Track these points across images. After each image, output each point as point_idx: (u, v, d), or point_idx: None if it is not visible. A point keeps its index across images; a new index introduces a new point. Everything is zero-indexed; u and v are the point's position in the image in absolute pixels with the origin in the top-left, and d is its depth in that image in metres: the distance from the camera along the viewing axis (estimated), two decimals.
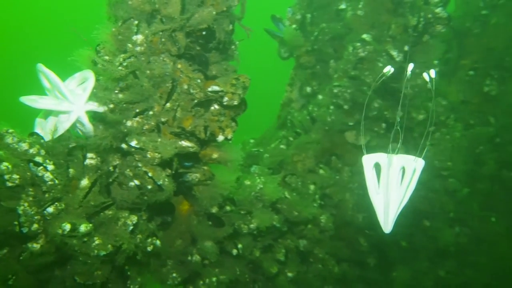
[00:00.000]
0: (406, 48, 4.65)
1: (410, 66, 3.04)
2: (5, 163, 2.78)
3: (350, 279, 5.49)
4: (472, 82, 6.15)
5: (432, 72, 2.81)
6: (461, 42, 6.35)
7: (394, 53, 4.60)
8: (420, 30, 4.58)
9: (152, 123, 3.23)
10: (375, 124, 4.95)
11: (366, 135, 4.91)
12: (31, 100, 3.05)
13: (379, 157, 2.98)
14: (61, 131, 3.05)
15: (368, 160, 3.05)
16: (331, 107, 4.74)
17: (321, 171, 4.82)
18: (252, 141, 5.35)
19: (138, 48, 3.12)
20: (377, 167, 3.04)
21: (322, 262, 5.06)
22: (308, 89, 5.30)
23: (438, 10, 4.49)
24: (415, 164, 3.06)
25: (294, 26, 5.22)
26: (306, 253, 4.88)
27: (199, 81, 3.37)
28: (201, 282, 4.01)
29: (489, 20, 6.00)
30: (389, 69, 2.85)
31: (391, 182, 3.00)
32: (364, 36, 4.61)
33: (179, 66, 3.35)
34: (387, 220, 3.10)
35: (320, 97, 4.95)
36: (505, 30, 5.89)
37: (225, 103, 3.39)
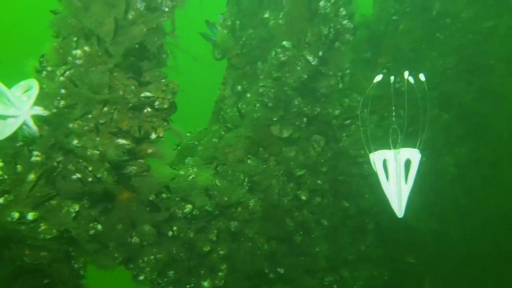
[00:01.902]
0: (320, 53, 5.32)
1: (406, 74, 3.89)
2: None
3: (279, 255, 6.18)
4: (385, 79, 6.95)
5: (422, 76, 3.69)
6: (378, 43, 7.13)
7: (310, 58, 5.27)
8: (332, 38, 5.26)
9: (92, 125, 3.75)
10: (297, 119, 5.62)
11: (288, 128, 5.57)
12: None
13: (384, 153, 3.77)
14: (8, 133, 3.53)
15: (376, 157, 3.83)
16: (257, 104, 5.37)
17: (249, 161, 5.45)
18: (188, 134, 5.91)
19: (77, 61, 3.62)
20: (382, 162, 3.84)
21: (252, 240, 5.70)
22: (239, 87, 5.91)
23: (345, 22, 5.19)
24: (411, 157, 3.88)
25: (225, 31, 5.80)
26: (237, 233, 5.51)
27: (133, 87, 3.91)
28: (141, 260, 4.58)
29: (398, 25, 6.79)
30: (380, 78, 3.71)
31: (396, 173, 3.81)
32: (284, 43, 5.25)
33: (115, 74, 3.87)
34: (398, 206, 3.92)
35: (248, 95, 5.57)
36: (410, 34, 6.70)
37: (156, 107, 3.95)
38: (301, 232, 6.23)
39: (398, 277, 8.06)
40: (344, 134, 6.05)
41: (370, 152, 4.24)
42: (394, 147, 4.14)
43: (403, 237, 7.93)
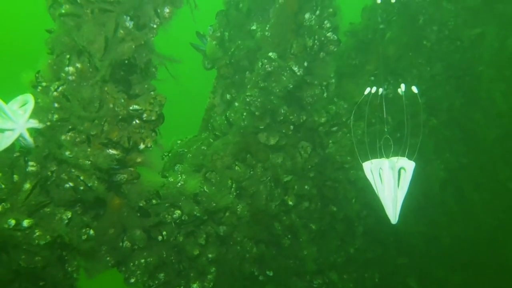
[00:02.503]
0: (305, 64, 5.55)
1: (403, 86, 4.19)
2: None
3: (268, 258, 6.41)
4: (373, 85, 7.17)
5: (414, 89, 3.98)
6: (366, 51, 7.35)
7: (295, 68, 5.50)
8: (316, 50, 5.49)
9: (83, 136, 3.99)
10: (283, 127, 5.85)
11: (275, 136, 5.80)
12: None
13: (376, 162, 4.05)
14: (6, 145, 3.77)
15: (367, 166, 4.11)
16: (244, 113, 5.60)
17: (236, 168, 5.68)
18: (179, 142, 6.15)
19: (69, 77, 3.87)
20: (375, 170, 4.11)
21: (241, 244, 5.94)
22: (228, 96, 6.15)
23: (329, 34, 5.43)
24: (406, 165, 4.16)
25: (214, 42, 6.03)
26: (226, 237, 5.74)
27: (122, 100, 4.15)
28: (132, 264, 4.82)
29: (385, 33, 7.02)
30: (375, 90, 3.98)
31: (387, 182, 4.09)
32: (270, 54, 5.47)
33: (106, 88, 4.11)
34: (391, 213, 4.21)
35: (236, 104, 5.81)
36: (397, 42, 6.93)
37: (144, 119, 4.19)
38: (289, 236, 6.45)
39: (389, 279, 8.29)
40: (330, 141, 6.26)
41: (362, 159, 4.52)
42: (387, 156, 4.38)
43: (393, 239, 8.17)
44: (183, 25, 4.80)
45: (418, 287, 8.72)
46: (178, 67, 4.69)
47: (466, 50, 7.85)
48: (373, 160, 4.17)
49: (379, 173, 4.15)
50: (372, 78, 7.25)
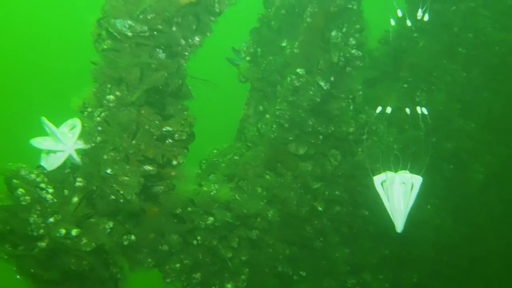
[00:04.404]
0: (332, 78, 5.85)
1: (407, 110, 4.67)
2: (21, 189, 4.16)
3: (300, 259, 6.79)
4: (406, 92, 7.36)
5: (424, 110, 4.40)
6: (399, 58, 7.50)
7: (322, 83, 5.81)
8: (342, 65, 5.77)
9: (122, 155, 4.53)
10: (312, 137, 6.17)
11: (304, 146, 6.14)
12: (37, 143, 4.38)
13: (386, 176, 4.55)
14: (58, 164, 4.39)
15: (377, 179, 4.63)
16: (274, 125, 5.98)
17: (267, 176, 6.09)
18: (215, 151, 6.63)
19: (110, 104, 4.41)
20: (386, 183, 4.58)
21: (273, 246, 6.35)
22: (261, 107, 6.56)
23: (353, 51, 5.69)
24: (413, 180, 4.65)
25: (248, 58, 6.46)
26: (258, 240, 6.17)
27: (157, 122, 4.66)
28: (170, 265, 5.37)
29: (418, 42, 7.14)
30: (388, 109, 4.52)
31: (396, 194, 4.59)
32: (298, 70, 5.81)
33: (142, 112, 4.63)
34: (399, 223, 4.77)
35: (267, 116, 6.20)
36: (429, 51, 7.03)
37: (176, 138, 4.69)
38: (321, 239, 6.78)
39: (428, 280, 8.41)
40: (360, 149, 6.52)
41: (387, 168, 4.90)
42: (395, 170, 4.75)
43: (431, 240, 8.28)
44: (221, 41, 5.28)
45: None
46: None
47: (505, 55, 7.79)
48: (385, 174, 4.53)
49: (390, 186, 4.51)
50: (405, 85, 7.41)
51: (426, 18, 4.85)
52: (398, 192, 4.50)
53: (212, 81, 5.10)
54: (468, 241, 8.50)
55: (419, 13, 4.92)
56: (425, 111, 4.81)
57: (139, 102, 4.51)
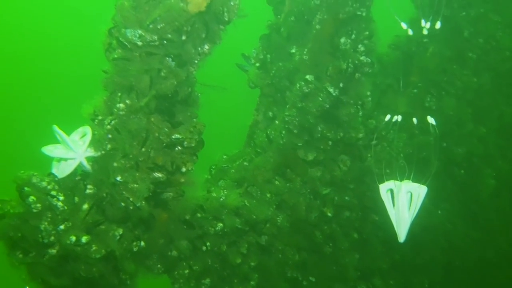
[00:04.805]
0: (341, 85, 5.85)
1: (415, 120, 4.72)
2: (32, 197, 4.22)
3: (310, 264, 6.80)
4: (416, 97, 7.34)
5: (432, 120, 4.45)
6: (410, 63, 7.48)
7: (331, 89, 5.82)
8: (351, 71, 5.77)
9: (132, 162, 4.58)
10: (321, 143, 6.18)
11: (313, 152, 6.15)
12: (49, 150, 4.44)
13: (391, 184, 4.61)
14: (68, 172, 4.45)
15: (383, 187, 4.69)
16: (283, 131, 6.00)
17: (276, 182, 6.11)
18: (225, 157, 6.66)
19: (120, 112, 4.46)
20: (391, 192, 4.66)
21: (282, 252, 6.37)
22: (270, 113, 6.57)
23: (362, 58, 5.69)
24: (419, 190, 4.71)
25: (257, 64, 6.49)
26: (267, 246, 6.19)
27: (166, 129, 4.70)
28: (179, 271, 5.41)
29: (428, 47, 7.12)
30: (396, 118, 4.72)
31: (401, 203, 4.66)
32: (307, 76, 5.83)
33: (152, 119, 4.68)
34: (401, 232, 4.84)
35: (276, 122, 6.22)
36: (439, 56, 7.02)
37: (185, 145, 4.72)
38: (330, 244, 6.78)
39: (439, 284, 8.38)
40: (369, 155, 6.51)
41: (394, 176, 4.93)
42: (401, 179, 4.77)
43: (443, 245, 8.25)
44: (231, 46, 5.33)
45: None
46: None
47: None
48: (391, 183, 4.56)
49: (395, 195, 4.54)
50: (415, 90, 7.39)
51: (438, 26, 4.84)
52: (403, 201, 4.52)
53: (221, 86, 5.13)
54: (480, 245, 8.47)
55: (425, 24, 4.92)
56: (433, 121, 4.85)
57: (148, 110, 4.56)
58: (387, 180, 4.85)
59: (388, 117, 5.13)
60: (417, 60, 7.33)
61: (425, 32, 4.96)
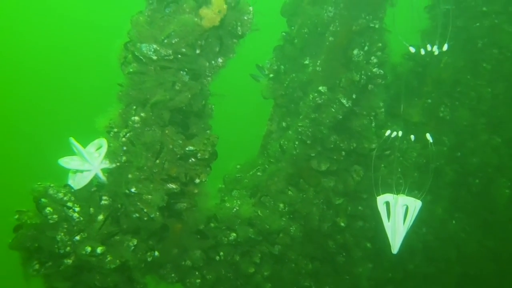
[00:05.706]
0: (354, 96, 5.87)
1: (412, 137, 4.83)
2: (48, 208, 4.31)
3: (323, 274, 6.81)
4: (430, 107, 7.32)
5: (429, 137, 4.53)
6: (424, 73, 7.47)
7: (344, 100, 5.84)
8: (364, 83, 5.79)
9: (146, 174, 4.65)
10: (334, 153, 6.20)
11: (326, 162, 6.17)
12: (65, 162, 4.54)
13: (388, 197, 4.74)
14: (84, 183, 4.53)
15: (380, 200, 4.82)
16: (296, 142, 6.04)
17: (289, 192, 6.14)
18: (238, 167, 6.71)
19: (135, 125, 4.54)
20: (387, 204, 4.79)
21: (295, 262, 6.39)
22: (284, 124, 6.62)
23: (374, 70, 5.71)
24: (414, 204, 4.83)
25: (271, 75, 6.54)
26: (280, 256, 6.21)
27: (180, 141, 4.76)
28: (190, 282, 5.46)
29: (442, 58, 7.11)
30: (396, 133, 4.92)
31: (397, 216, 4.79)
32: (320, 88, 5.86)
33: (166, 131, 4.75)
34: (395, 244, 4.97)
35: (290, 132, 6.26)
36: (453, 67, 7.00)
37: (198, 157, 4.78)
38: (343, 254, 6.79)
39: None
40: (382, 165, 6.51)
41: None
42: (397, 193, 4.87)
43: (456, 255, 8.21)
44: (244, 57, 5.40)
45: None
46: None
47: None
48: (388, 195, 4.66)
49: (391, 207, 4.63)
50: (429, 100, 7.37)
51: (445, 48, 4.93)
52: (399, 214, 4.65)
53: (228, 94, 5.20)
54: (494, 255, 8.41)
55: (431, 48, 5.00)
56: (431, 139, 4.99)
57: (163, 122, 4.63)
58: (384, 193, 4.98)
59: (388, 132, 5.22)
60: (430, 71, 7.32)
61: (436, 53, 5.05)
